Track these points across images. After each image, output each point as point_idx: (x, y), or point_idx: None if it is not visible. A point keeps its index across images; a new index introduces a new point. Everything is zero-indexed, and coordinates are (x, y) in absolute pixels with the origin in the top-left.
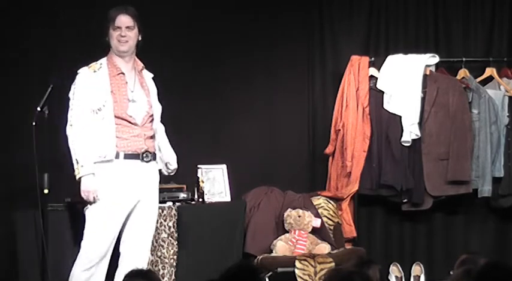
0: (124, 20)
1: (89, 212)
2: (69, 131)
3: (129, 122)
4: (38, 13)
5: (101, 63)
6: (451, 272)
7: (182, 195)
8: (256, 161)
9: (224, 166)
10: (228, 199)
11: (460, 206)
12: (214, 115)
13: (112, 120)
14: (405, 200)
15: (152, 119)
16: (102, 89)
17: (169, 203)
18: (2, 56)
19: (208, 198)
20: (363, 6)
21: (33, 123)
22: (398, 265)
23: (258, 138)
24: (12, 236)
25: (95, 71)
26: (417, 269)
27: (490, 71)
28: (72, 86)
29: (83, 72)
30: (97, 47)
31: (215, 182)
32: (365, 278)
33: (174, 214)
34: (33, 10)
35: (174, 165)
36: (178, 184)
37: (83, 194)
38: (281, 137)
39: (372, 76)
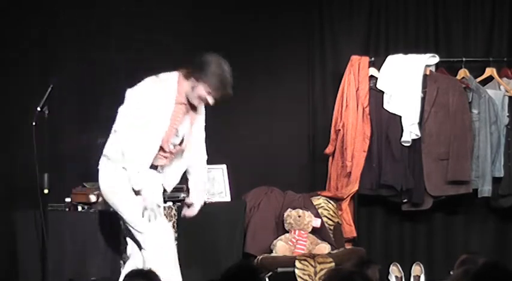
0: (223, 97)
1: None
2: (126, 137)
3: (163, 149)
4: (38, 13)
5: (171, 82)
6: (451, 272)
7: (182, 195)
8: (256, 161)
9: (224, 166)
10: (228, 199)
11: (460, 206)
12: (214, 115)
13: (157, 144)
14: (405, 200)
15: (181, 152)
16: (164, 112)
17: (169, 203)
18: (2, 56)
19: (208, 198)
20: (363, 6)
21: (33, 123)
22: (398, 265)
23: (258, 139)
24: (12, 236)
25: (165, 90)
26: (417, 269)
27: (490, 71)
28: (138, 94)
29: (154, 87)
30: (97, 47)
31: (215, 182)
32: (365, 278)
33: (174, 214)
34: (33, 10)
35: (195, 210)
36: (178, 184)
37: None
38: (281, 137)
39: (372, 76)
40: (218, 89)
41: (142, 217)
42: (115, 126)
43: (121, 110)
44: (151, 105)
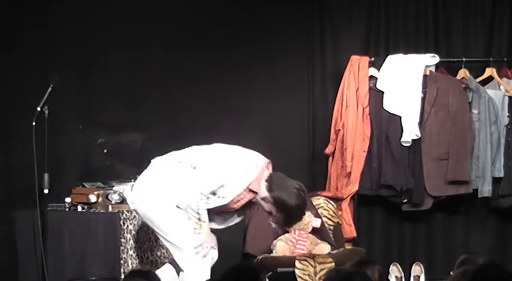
0: None
1: None
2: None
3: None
4: (39, 13)
5: (255, 170)
6: (451, 273)
7: None
8: None
9: None
10: None
11: (460, 206)
12: (214, 115)
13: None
14: (405, 200)
15: None
16: (231, 192)
17: None
18: (2, 56)
19: None
20: (363, 7)
21: (33, 123)
22: (398, 265)
23: (258, 138)
24: (12, 236)
25: (244, 173)
26: (417, 269)
27: (490, 71)
28: (222, 163)
29: (238, 168)
30: (97, 47)
31: None
32: (365, 278)
33: None
34: (34, 10)
35: None
36: None
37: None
38: (281, 137)
39: (372, 76)
40: (278, 218)
41: (195, 249)
42: (184, 161)
43: (201, 154)
44: (224, 181)
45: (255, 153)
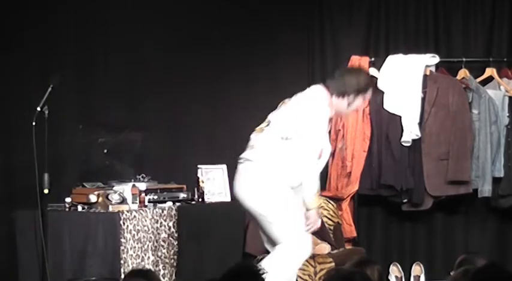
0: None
1: None
2: (311, 163)
3: None
4: (39, 13)
5: (326, 100)
6: (451, 273)
7: (182, 195)
8: None
9: (224, 166)
10: (228, 199)
11: (460, 206)
12: (214, 115)
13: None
14: (405, 200)
15: None
16: (325, 130)
17: (169, 203)
18: (2, 56)
19: (208, 198)
20: (363, 7)
21: (33, 123)
22: (398, 265)
23: None
24: (12, 236)
25: (327, 108)
26: (417, 269)
27: (490, 71)
28: (318, 119)
29: (327, 111)
30: (97, 47)
31: (215, 182)
32: (365, 278)
33: (174, 214)
34: (34, 10)
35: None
36: (178, 184)
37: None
38: None
39: (372, 76)
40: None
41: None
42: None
43: (280, 124)
44: (317, 134)
45: (311, 90)
